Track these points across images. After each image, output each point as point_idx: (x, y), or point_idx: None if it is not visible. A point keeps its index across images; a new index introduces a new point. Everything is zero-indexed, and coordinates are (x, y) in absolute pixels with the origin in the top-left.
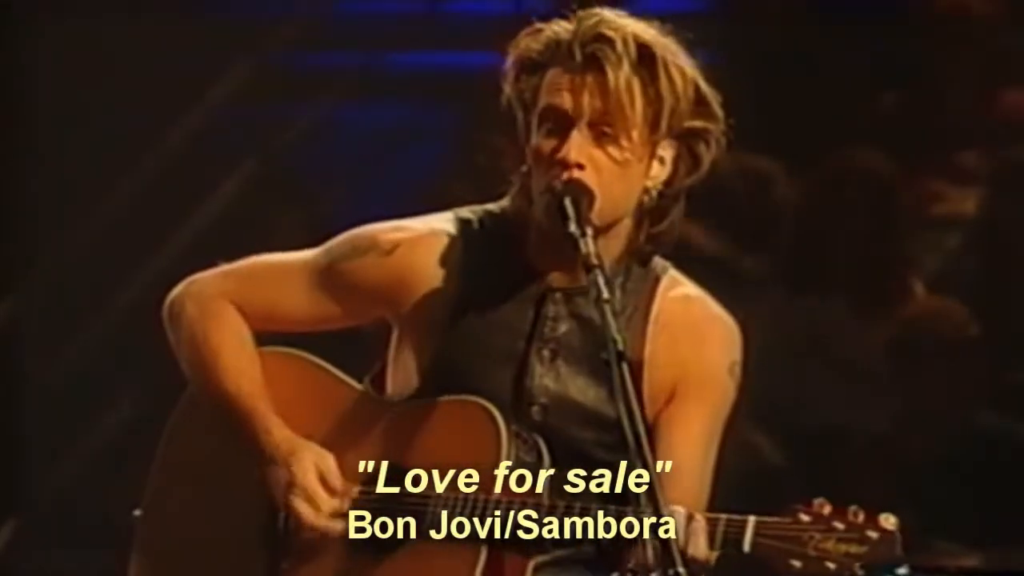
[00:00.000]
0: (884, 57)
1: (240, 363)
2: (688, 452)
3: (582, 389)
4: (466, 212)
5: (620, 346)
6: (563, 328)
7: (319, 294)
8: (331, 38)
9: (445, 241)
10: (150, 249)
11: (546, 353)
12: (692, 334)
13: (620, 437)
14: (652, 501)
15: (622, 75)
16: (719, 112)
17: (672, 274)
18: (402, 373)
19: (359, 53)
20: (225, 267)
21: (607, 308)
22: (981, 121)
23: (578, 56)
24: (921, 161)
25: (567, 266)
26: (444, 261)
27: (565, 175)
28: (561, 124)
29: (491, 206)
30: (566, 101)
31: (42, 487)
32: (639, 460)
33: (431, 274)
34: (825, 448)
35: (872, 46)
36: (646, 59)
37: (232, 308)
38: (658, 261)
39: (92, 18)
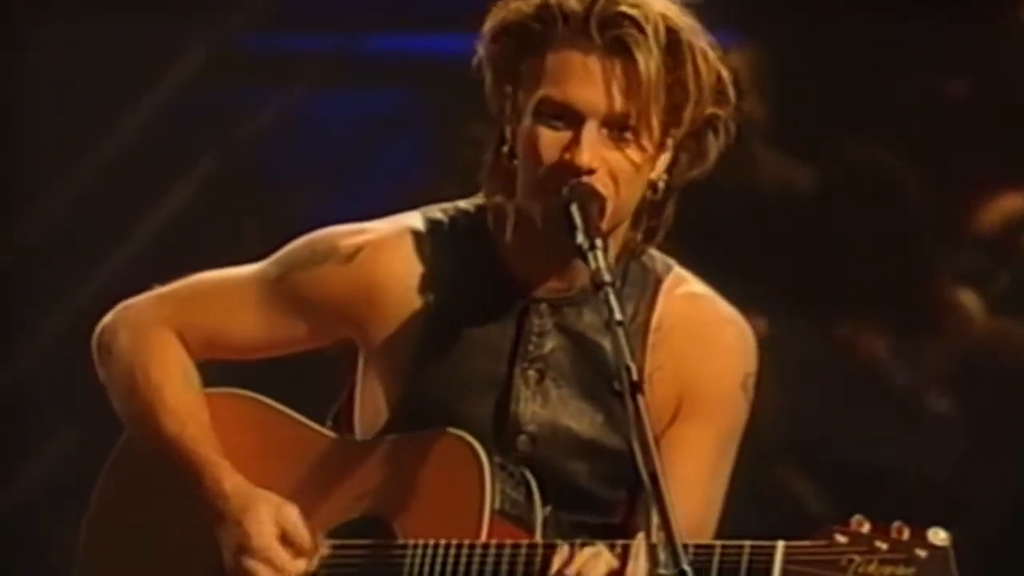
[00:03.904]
0: (938, 42)
1: (184, 403)
2: (694, 479)
3: (575, 414)
4: (436, 211)
5: (635, 375)
6: (550, 345)
7: (272, 313)
8: (301, 17)
9: (413, 245)
10: (95, 259)
11: (532, 374)
12: (700, 342)
13: (620, 470)
14: (671, 550)
15: (653, 65)
16: (732, 96)
17: (676, 272)
18: (370, 405)
19: (333, 35)
20: (161, 289)
21: (620, 331)
22: None
23: (597, 38)
24: (979, 161)
25: (552, 272)
26: (412, 269)
27: (573, 181)
28: (571, 117)
29: (464, 203)
30: (581, 92)
31: None
32: (656, 504)
33: (398, 284)
34: (873, 494)
35: (928, 28)
36: (672, 44)
37: (173, 337)
38: (659, 259)
39: None
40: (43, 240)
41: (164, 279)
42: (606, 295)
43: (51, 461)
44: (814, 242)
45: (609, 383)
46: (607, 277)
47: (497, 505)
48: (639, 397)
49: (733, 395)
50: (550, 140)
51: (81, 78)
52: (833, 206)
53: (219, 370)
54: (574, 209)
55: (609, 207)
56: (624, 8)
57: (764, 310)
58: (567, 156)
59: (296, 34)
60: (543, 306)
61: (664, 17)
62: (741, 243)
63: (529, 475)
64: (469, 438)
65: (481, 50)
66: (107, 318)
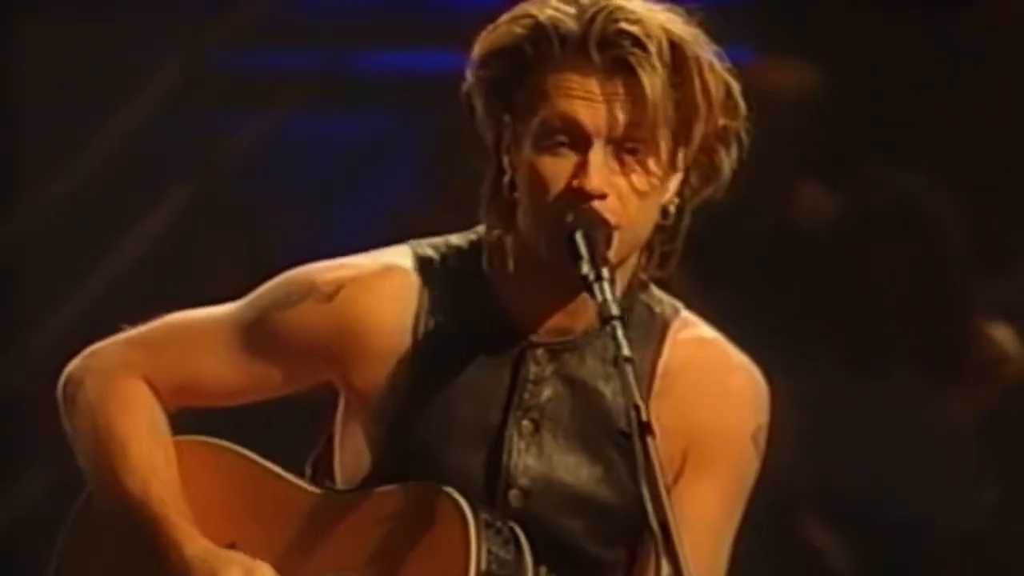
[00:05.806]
0: (961, 50)
1: (151, 459)
2: (700, 541)
3: (571, 468)
4: (426, 247)
5: (645, 415)
6: (547, 393)
7: (247, 357)
8: (284, 34)
9: (399, 282)
10: (62, 291)
11: (527, 424)
12: (708, 390)
13: (618, 528)
14: None
15: (659, 84)
16: (743, 106)
17: (684, 316)
18: (351, 452)
19: (319, 53)
20: (130, 333)
21: (628, 368)
22: None
23: (596, 57)
24: (1018, 191)
25: (552, 315)
26: (399, 308)
27: (577, 208)
28: (576, 141)
29: (456, 239)
30: (584, 112)
31: None
32: (667, 555)
33: (382, 324)
34: (903, 548)
35: (948, 36)
36: (677, 60)
37: (143, 386)
38: (667, 302)
39: None
40: (38, 240)
41: (147, 298)
42: (613, 329)
43: (51, 464)
44: (839, 278)
45: (610, 433)
46: (614, 310)
47: (484, 567)
48: (649, 439)
49: (743, 448)
50: (555, 167)
51: (57, 93)
52: (861, 238)
53: (193, 416)
54: (579, 237)
55: (617, 236)
56: (624, 25)
57: (786, 349)
58: (575, 182)
59: (279, 51)
60: (541, 351)
61: (667, 31)
62: (765, 279)
63: (519, 531)
64: (453, 492)
65: (471, 76)
66: (72, 366)
